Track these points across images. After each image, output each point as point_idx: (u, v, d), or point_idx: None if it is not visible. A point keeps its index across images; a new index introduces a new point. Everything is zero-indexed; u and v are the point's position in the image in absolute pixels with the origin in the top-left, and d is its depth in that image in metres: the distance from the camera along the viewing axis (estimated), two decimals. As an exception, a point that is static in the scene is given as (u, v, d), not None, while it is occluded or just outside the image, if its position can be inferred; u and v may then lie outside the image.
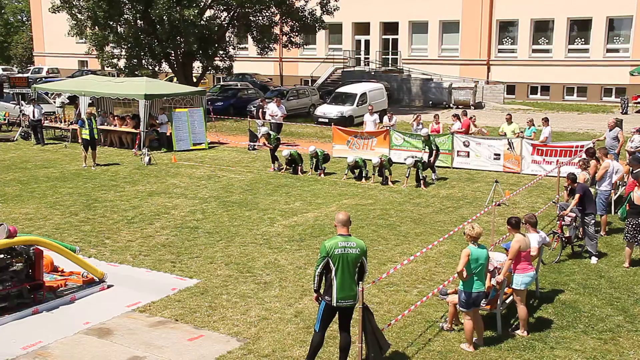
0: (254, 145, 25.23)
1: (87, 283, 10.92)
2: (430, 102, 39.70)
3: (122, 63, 34.84)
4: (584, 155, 15.46)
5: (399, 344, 8.90)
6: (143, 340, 8.99)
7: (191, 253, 12.68)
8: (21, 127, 27.90)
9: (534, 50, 42.21)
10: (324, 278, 7.92)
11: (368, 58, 46.71)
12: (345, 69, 44.51)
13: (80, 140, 21.64)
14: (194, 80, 35.95)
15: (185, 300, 10.40)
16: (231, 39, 37.96)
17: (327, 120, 30.32)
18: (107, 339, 9.06)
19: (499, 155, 20.77)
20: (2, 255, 9.76)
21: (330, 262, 7.74)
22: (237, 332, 9.27)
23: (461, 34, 43.53)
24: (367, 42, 47.11)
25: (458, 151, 21.35)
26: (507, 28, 43.11)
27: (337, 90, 34.45)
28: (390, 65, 45.69)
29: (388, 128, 23.14)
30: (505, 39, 43.18)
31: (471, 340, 8.79)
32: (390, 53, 46.47)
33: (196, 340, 9.03)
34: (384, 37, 46.61)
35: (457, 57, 43.96)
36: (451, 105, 38.36)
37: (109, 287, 10.97)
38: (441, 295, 10.29)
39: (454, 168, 21.11)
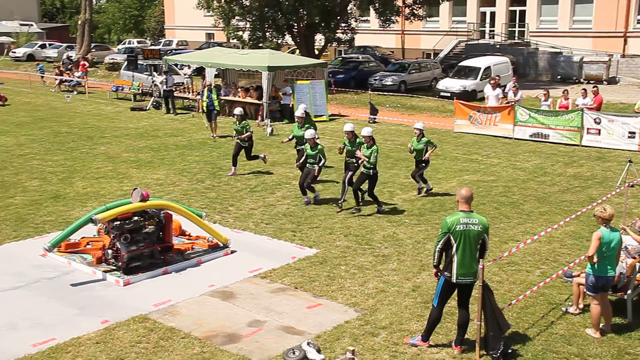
0: (374, 118, 25.19)
1: (212, 247, 11.37)
2: (559, 77, 37.92)
3: (246, 35, 35.67)
4: None
5: (520, 325, 8.68)
6: (264, 306, 9.28)
7: (311, 223, 12.89)
8: (153, 97, 29.28)
9: (679, 21, 39.20)
10: (444, 254, 7.83)
11: (493, 31, 45.15)
12: (469, 42, 43.30)
13: (202, 111, 22.58)
14: (316, 52, 36.25)
15: (305, 269, 10.61)
16: (353, 11, 37.87)
17: (449, 95, 29.78)
18: (230, 302, 9.42)
19: (634, 133, 19.58)
20: (136, 218, 10.33)
21: (452, 238, 7.64)
22: (354, 302, 9.37)
23: (595, 4, 41.00)
24: (492, 14, 45.49)
25: (588, 129, 20.34)
26: (647, -4, 40.23)
27: (460, 64, 33.67)
28: (516, 38, 43.97)
29: (512, 103, 22.39)
30: (645, 9, 40.33)
31: (598, 326, 8.42)
32: (517, 25, 44.64)
33: (315, 308, 9.21)
34: (510, 8, 44.81)
35: (589, 29, 41.55)
36: (582, 80, 36.44)
37: (232, 252, 11.36)
38: (566, 278, 9.91)
39: (582, 146, 20.17)
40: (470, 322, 8.09)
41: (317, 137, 14.04)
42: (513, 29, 44.76)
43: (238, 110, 16.84)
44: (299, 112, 15.71)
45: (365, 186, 13.57)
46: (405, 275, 10.36)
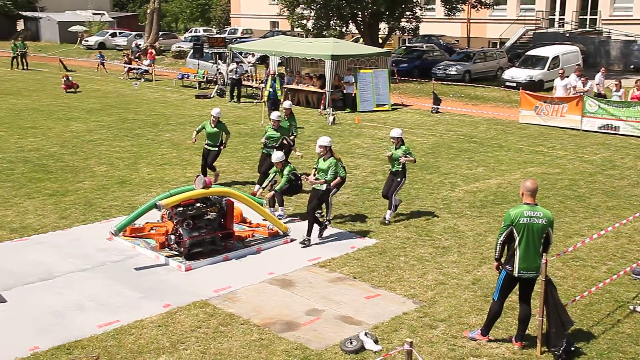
0: (437, 108, 24.89)
1: (272, 235, 11.46)
2: (632, 67, 36.60)
3: (310, 24, 35.71)
4: None
5: (584, 322, 8.45)
6: (322, 294, 9.31)
7: (371, 213, 12.85)
8: (217, 85, 29.68)
9: None
10: (506, 247, 7.68)
11: (563, 19, 43.87)
12: (537, 31, 42.19)
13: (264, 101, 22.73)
14: (380, 41, 36.01)
15: (364, 259, 10.59)
16: (419, -1, 37.44)
17: (514, 85, 29.18)
18: (288, 290, 9.49)
19: None
20: (198, 204, 10.51)
21: (515, 231, 7.48)
22: (413, 294, 9.30)
23: (674, -10, 39.32)
24: (562, 2, 44.15)
25: (661, 121, 19.62)
26: None
27: (527, 53, 32.90)
28: (587, 26, 42.57)
29: (581, 94, 21.73)
30: None
31: (666, 325, 8.13)
32: (588, 13, 43.27)
33: (373, 298, 9.19)
34: (582, -5, 43.45)
35: (668, 17, 39.86)
36: (656, 70, 35.13)
37: (292, 240, 11.44)
38: (634, 275, 9.60)
39: (655, 139, 19.47)
40: (531, 318, 7.92)
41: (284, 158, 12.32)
42: (584, 16, 43.38)
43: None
44: (274, 115, 14.05)
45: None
46: (466, 268, 10.22)
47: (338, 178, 11.34)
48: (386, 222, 12.25)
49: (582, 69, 23.76)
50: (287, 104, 15.45)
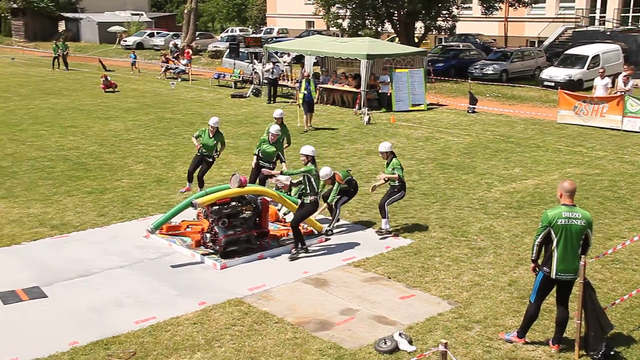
0: (474, 108, 24.65)
1: (306, 235, 11.46)
2: (675, 66, 35.77)
3: (346, 23, 35.69)
4: None
5: (624, 326, 8.28)
6: (356, 294, 9.29)
7: (406, 213, 12.78)
8: (253, 85, 29.83)
9: None
10: (543, 248, 7.57)
11: (604, 16, 43.06)
12: (576, 29, 41.50)
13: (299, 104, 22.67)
14: (416, 40, 35.82)
15: (399, 259, 10.54)
16: (456, -2, 37.13)
17: (553, 84, 28.77)
18: (323, 289, 9.49)
19: None
20: (234, 203, 10.58)
21: (552, 232, 7.37)
22: (448, 295, 9.23)
23: None
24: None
25: None
26: None
27: (566, 52, 32.39)
28: (630, 24, 41.70)
29: (622, 93, 21.31)
30: None
31: None
32: (631, 10, 42.36)
33: (408, 299, 9.14)
34: (624, -8, 42.58)
35: None
36: (700, 69, 34.24)
37: (326, 240, 11.45)
38: (676, 279, 9.37)
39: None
40: (569, 321, 7.80)
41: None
42: (626, 14, 42.49)
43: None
44: (273, 129, 13.05)
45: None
46: (502, 269, 10.11)
47: (321, 202, 11.42)
48: (382, 231, 11.59)
49: (633, 68, 23.02)
50: (277, 113, 14.39)
